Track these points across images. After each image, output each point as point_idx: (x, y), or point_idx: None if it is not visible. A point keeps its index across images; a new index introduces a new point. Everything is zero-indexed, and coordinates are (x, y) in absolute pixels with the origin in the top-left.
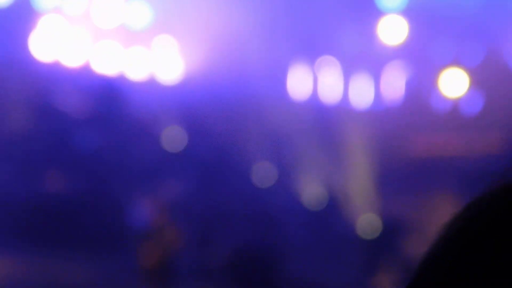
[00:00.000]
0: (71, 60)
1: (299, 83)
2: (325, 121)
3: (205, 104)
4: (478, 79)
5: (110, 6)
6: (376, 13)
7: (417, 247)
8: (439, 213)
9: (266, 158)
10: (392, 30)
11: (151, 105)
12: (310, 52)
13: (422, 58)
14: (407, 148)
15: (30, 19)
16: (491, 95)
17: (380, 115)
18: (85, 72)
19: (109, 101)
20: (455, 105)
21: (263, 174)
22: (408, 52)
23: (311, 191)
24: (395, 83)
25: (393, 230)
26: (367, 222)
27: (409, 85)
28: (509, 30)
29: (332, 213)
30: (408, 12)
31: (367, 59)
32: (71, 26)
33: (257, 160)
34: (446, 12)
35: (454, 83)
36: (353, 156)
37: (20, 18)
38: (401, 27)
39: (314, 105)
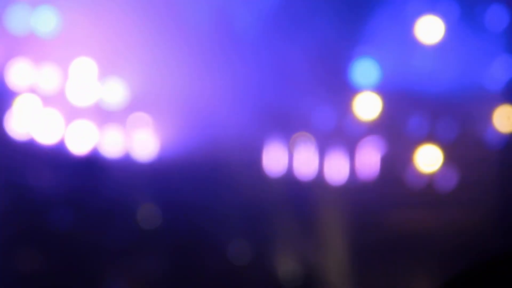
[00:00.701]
0: (45, 138)
1: (274, 158)
2: (300, 196)
3: (180, 180)
4: (452, 155)
5: (84, 85)
6: (351, 90)
7: None
8: None
9: (241, 234)
10: (367, 106)
11: (126, 182)
12: (286, 128)
13: (396, 134)
14: (382, 224)
15: (5, 98)
16: (466, 171)
17: (355, 191)
18: (60, 150)
19: (83, 179)
20: (430, 181)
21: (238, 250)
22: (382, 128)
23: (286, 267)
24: (370, 159)
25: None
26: None
27: (384, 160)
28: (483, 106)
29: None
30: (382, 89)
31: (342, 135)
32: (45, 105)
33: (233, 237)
34: (420, 88)
35: (428, 159)
36: (327, 232)
37: None
38: (376, 103)
39: (289, 180)
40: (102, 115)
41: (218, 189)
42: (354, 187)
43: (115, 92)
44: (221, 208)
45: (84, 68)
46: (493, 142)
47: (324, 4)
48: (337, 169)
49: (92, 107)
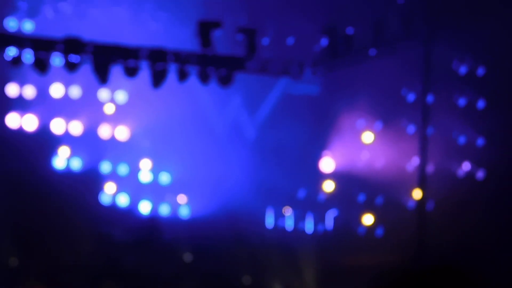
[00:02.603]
0: (124, 204)
1: (272, 222)
2: (286, 242)
3: (207, 232)
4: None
5: (146, 172)
6: (320, 175)
7: None
8: None
9: (249, 269)
10: (326, 186)
11: (174, 232)
12: (279, 201)
13: (349, 204)
14: (338, 261)
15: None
16: (391, 228)
17: (321, 239)
18: (133, 211)
19: (149, 231)
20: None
21: (245, 279)
22: (338, 200)
23: None
24: (330, 221)
25: None
26: None
27: (338, 220)
28: (403, 185)
29: None
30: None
31: (313, 205)
32: (120, 189)
33: (243, 270)
34: (362, 174)
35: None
36: (306, 265)
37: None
38: (331, 184)
39: (280, 231)
40: (159, 192)
41: (231, 238)
42: (321, 236)
43: (166, 178)
44: (234, 250)
45: (146, 162)
46: (410, 207)
47: (300, 124)
48: (309, 226)
49: (152, 186)
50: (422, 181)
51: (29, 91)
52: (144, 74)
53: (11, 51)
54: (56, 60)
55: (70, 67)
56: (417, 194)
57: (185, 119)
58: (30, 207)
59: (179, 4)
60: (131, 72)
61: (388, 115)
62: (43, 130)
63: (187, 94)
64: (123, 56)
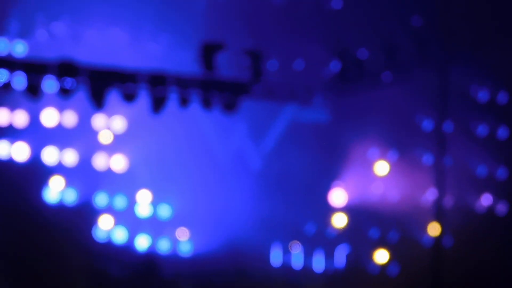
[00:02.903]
0: (120, 241)
1: (278, 259)
2: (294, 281)
3: (210, 266)
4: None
5: (144, 205)
6: (330, 208)
7: None
8: None
9: None
10: (337, 220)
11: (174, 268)
12: (286, 237)
13: (361, 240)
14: None
15: (90, 217)
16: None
17: (331, 277)
18: (130, 248)
19: (145, 267)
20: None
21: None
22: (350, 235)
23: None
24: (341, 258)
25: None
26: None
27: (349, 257)
28: (419, 220)
29: None
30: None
31: (323, 240)
32: (117, 222)
33: None
34: (375, 207)
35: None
36: None
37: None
38: (342, 218)
39: (286, 269)
40: (158, 226)
41: (235, 276)
42: (331, 275)
43: (166, 211)
44: (237, 283)
45: (144, 194)
46: (426, 243)
47: (309, 152)
48: (319, 263)
49: (150, 220)
50: (439, 215)
51: (20, 118)
52: (143, 99)
53: (1, 75)
54: (49, 84)
55: (64, 92)
56: (433, 229)
57: (186, 148)
58: (20, 243)
59: (180, 25)
60: (129, 97)
61: (402, 144)
62: (35, 159)
63: (188, 121)
64: (120, 80)
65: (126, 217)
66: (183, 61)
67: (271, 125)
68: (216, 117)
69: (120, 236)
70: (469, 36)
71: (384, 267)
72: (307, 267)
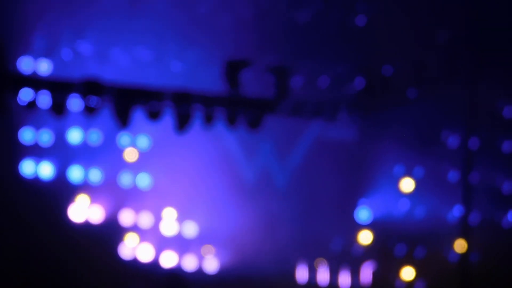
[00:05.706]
0: (145, 259)
1: (304, 276)
2: None
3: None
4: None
5: (170, 224)
6: (356, 225)
7: None
8: None
9: None
10: (363, 237)
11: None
12: (311, 254)
13: (387, 257)
14: None
15: (117, 234)
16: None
17: None
18: (155, 266)
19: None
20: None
21: None
22: (376, 252)
23: None
24: (367, 275)
25: None
26: None
27: (375, 275)
28: (444, 237)
29: None
30: (375, 225)
31: (349, 257)
32: (142, 240)
33: None
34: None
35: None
36: None
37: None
38: (368, 235)
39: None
40: (184, 244)
41: None
42: None
43: (191, 229)
44: None
45: (170, 212)
46: (452, 260)
47: (334, 166)
48: (344, 280)
49: (176, 238)
50: (465, 232)
51: (45, 137)
52: (168, 117)
53: (26, 94)
54: (74, 103)
55: (89, 110)
56: (460, 246)
57: (211, 166)
58: (46, 261)
59: (205, 42)
60: (153, 115)
61: (428, 161)
62: (60, 178)
63: (213, 139)
64: (145, 99)
65: (152, 235)
66: (207, 79)
67: (296, 143)
68: (241, 134)
69: (145, 253)
70: (497, 50)
71: (410, 284)
72: (332, 285)
